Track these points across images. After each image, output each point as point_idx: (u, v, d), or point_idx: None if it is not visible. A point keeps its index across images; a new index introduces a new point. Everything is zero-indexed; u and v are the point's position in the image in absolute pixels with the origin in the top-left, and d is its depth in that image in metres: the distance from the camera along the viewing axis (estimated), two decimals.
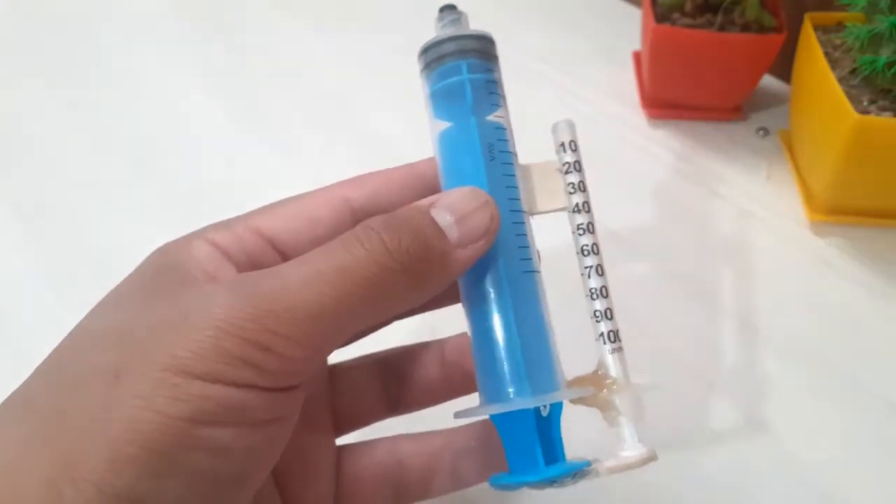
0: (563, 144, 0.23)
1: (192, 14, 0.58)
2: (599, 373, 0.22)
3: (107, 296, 0.21)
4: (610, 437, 0.22)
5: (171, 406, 0.17)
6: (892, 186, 0.40)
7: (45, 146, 0.47)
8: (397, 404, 0.26)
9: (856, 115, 0.36)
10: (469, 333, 0.22)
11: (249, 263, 0.21)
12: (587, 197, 0.23)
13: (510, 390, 0.20)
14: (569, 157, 0.23)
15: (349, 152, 0.47)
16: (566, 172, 0.23)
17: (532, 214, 0.22)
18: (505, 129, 0.22)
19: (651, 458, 0.20)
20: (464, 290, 0.22)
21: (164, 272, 0.20)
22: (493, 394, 0.21)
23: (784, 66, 0.45)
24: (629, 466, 0.20)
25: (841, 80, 0.39)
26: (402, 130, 0.48)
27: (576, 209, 0.22)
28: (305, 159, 0.46)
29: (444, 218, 0.20)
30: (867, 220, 0.42)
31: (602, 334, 0.22)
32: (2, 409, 0.18)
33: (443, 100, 0.22)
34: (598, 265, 0.22)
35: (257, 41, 0.55)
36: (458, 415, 0.22)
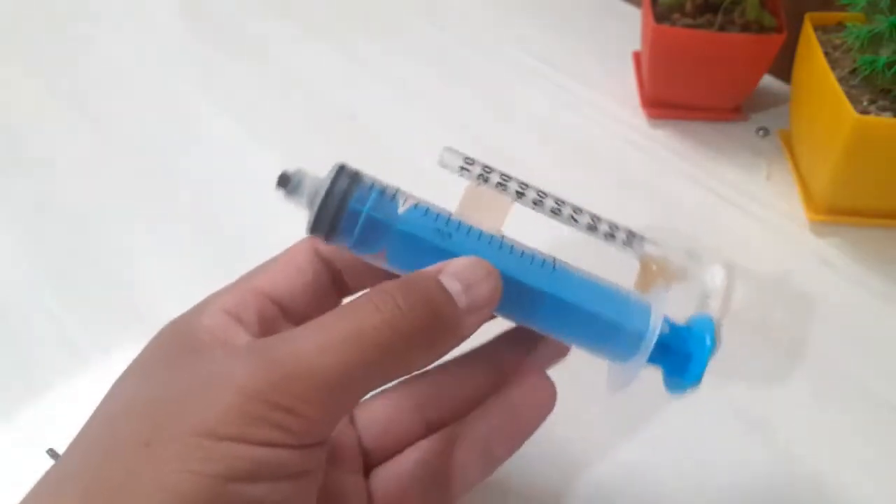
0: (461, 168, 0.24)
1: (197, 18, 0.58)
2: (652, 267, 0.24)
3: (129, 367, 0.22)
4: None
5: (203, 465, 0.18)
6: (891, 186, 0.40)
7: (45, 148, 0.47)
8: (434, 421, 0.26)
9: (856, 115, 0.36)
10: (553, 335, 0.24)
11: (257, 322, 0.23)
12: (517, 181, 0.24)
13: (638, 335, 0.23)
14: (477, 170, 0.24)
15: (354, 157, 0.47)
16: (485, 181, 0.24)
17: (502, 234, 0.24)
18: (422, 206, 0.23)
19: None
20: (527, 316, 0.24)
21: (181, 343, 0.22)
22: (626, 349, 0.23)
23: (784, 66, 0.45)
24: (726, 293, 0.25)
25: (841, 80, 0.39)
26: (405, 134, 0.48)
27: (518, 192, 0.24)
28: (305, 161, 0.46)
29: (453, 285, 0.21)
30: (867, 220, 0.42)
31: (624, 240, 0.24)
32: (42, 482, 0.19)
33: (368, 242, 0.22)
34: (573, 212, 0.24)
35: (258, 46, 0.55)
36: (613, 387, 0.24)
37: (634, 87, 0.50)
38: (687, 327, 0.24)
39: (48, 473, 0.20)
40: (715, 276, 0.27)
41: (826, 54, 0.40)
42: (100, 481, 0.18)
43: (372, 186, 0.23)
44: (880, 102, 0.39)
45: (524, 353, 0.26)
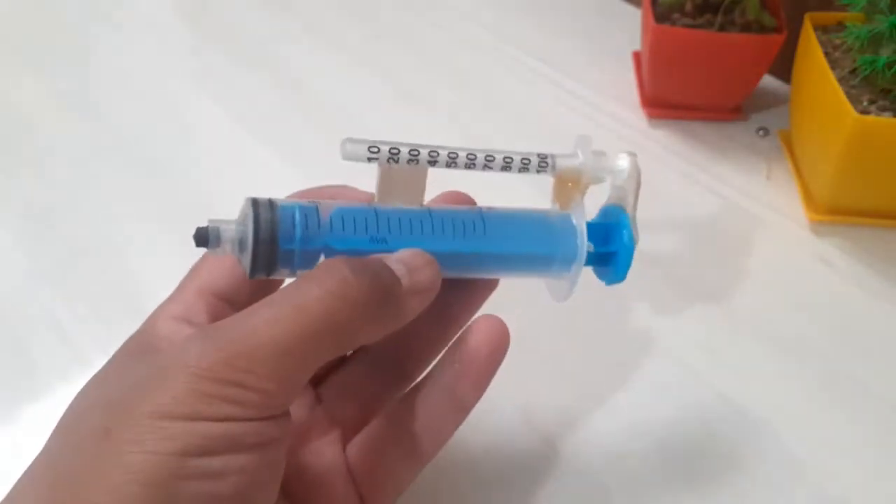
0: (368, 157, 0.25)
1: (196, 17, 0.58)
2: (568, 183, 0.26)
3: (92, 377, 0.23)
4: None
5: (160, 445, 0.18)
6: (891, 186, 0.40)
7: (46, 148, 0.48)
8: (397, 382, 0.28)
9: (855, 115, 0.36)
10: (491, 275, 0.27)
11: (208, 322, 0.24)
12: (426, 149, 0.25)
13: (568, 258, 0.26)
14: (385, 153, 0.25)
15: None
16: (395, 162, 0.25)
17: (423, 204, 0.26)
18: (347, 210, 0.24)
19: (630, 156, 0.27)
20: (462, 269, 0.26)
21: (137, 348, 0.23)
22: (560, 271, 0.26)
23: (784, 66, 0.45)
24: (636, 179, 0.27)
25: (841, 80, 0.39)
26: (403, 134, 0.48)
27: (430, 160, 0.25)
28: (304, 160, 0.46)
29: (398, 267, 0.23)
30: (866, 220, 0.42)
31: (537, 166, 0.26)
32: (13, 486, 0.20)
33: (308, 265, 0.23)
34: (486, 159, 0.25)
35: (258, 45, 0.55)
36: (557, 298, 0.27)
37: (634, 87, 0.50)
38: (604, 224, 0.26)
39: (19, 479, 0.20)
40: (623, 166, 0.27)
41: (826, 54, 0.40)
42: (65, 472, 0.19)
43: (293, 216, 0.23)
44: (880, 102, 0.39)
45: (463, 296, 0.27)
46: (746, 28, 0.44)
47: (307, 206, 0.23)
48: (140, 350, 0.23)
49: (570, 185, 0.26)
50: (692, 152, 0.46)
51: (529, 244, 0.26)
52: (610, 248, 0.26)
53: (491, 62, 0.53)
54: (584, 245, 0.25)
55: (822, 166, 0.40)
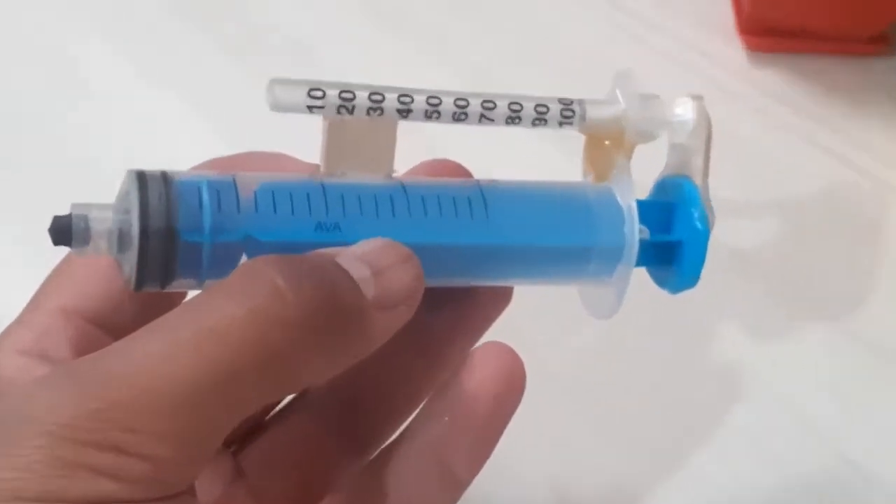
0: (308, 105, 0.20)
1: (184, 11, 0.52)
2: (604, 141, 0.22)
3: None
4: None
5: None
6: None
7: (48, 149, 0.43)
8: (354, 447, 0.22)
9: None
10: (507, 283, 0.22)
11: (73, 356, 0.19)
12: (394, 91, 0.21)
13: (613, 250, 0.21)
14: (333, 99, 0.20)
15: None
16: (349, 112, 0.20)
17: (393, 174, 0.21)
18: (278, 186, 0.20)
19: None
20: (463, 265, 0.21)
21: None
22: (601, 270, 0.22)
23: None
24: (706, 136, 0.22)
25: None
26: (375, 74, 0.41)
27: (401, 109, 0.21)
28: (231, 116, 0.40)
29: (357, 269, 0.18)
30: None
31: (559, 118, 0.21)
32: None
33: (223, 272, 0.18)
34: (483, 108, 0.21)
35: (254, 29, 0.48)
36: (598, 313, 0.23)
37: (729, 8, 0.42)
38: (662, 203, 0.22)
39: None
40: (685, 115, 0.21)
41: None
42: None
43: (200, 194, 0.18)
44: None
45: (459, 315, 0.22)
46: None
47: (220, 179, 0.19)
48: None
49: (607, 143, 0.22)
50: (812, 102, 0.39)
51: (552, 232, 0.21)
52: (673, 237, 0.22)
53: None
54: (635, 232, 0.21)
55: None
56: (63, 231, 0.18)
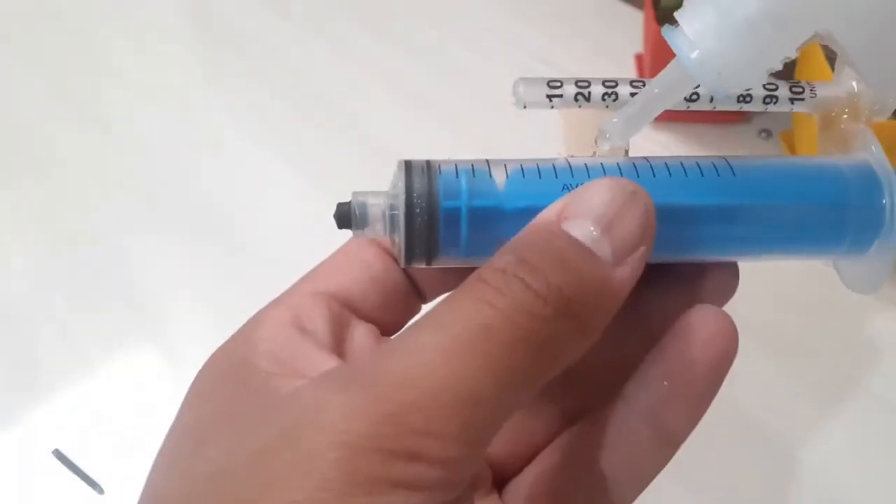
0: (548, 96, 0.20)
1: (202, 20, 0.58)
2: (843, 113, 0.19)
3: (169, 435, 0.17)
4: None
5: None
6: None
7: (53, 153, 0.48)
8: (572, 410, 0.21)
9: None
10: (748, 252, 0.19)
11: (329, 331, 0.18)
12: (625, 81, 0.20)
13: (872, 210, 0.18)
14: (570, 89, 0.20)
15: (350, 154, 0.47)
16: (586, 100, 0.20)
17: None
18: (528, 167, 0.19)
19: None
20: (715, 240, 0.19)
21: (235, 381, 0.17)
22: (859, 236, 0.18)
23: (786, 69, 0.45)
24: None
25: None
26: (404, 134, 0.48)
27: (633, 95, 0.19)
28: (308, 162, 0.47)
29: (585, 231, 0.16)
30: None
31: (790, 95, 0.20)
32: None
33: (480, 244, 0.18)
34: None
35: (260, 47, 0.55)
36: (861, 288, 0.19)
37: None
38: None
39: None
40: None
41: (827, 57, 0.40)
42: None
43: (457, 170, 0.18)
44: None
45: (681, 298, 0.20)
46: None
47: (475, 160, 0.19)
48: (238, 381, 0.17)
49: (845, 116, 0.19)
50: (693, 152, 0.47)
51: (800, 190, 0.18)
52: None
53: (491, 63, 0.53)
54: (894, 189, 0.18)
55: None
56: (345, 216, 0.18)
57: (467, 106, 0.50)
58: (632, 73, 0.52)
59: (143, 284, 0.40)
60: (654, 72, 0.48)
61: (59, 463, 0.33)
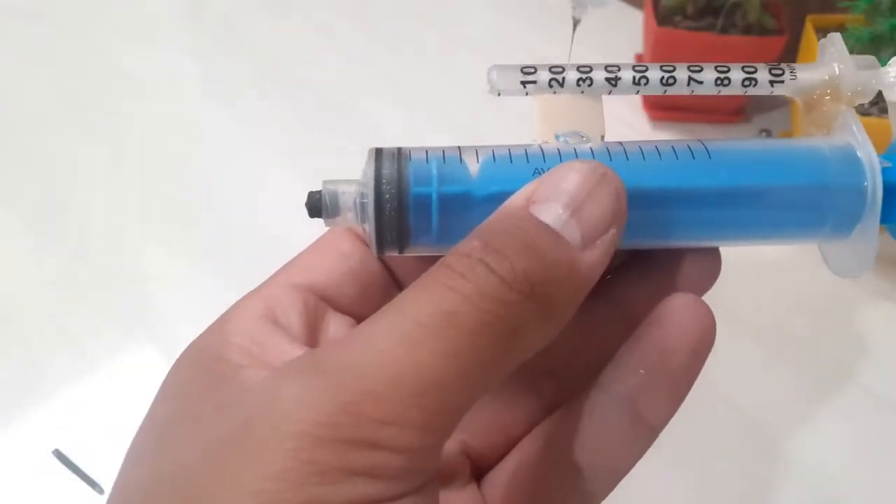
0: (522, 82, 0.20)
1: (203, 22, 0.58)
2: (825, 95, 0.19)
3: (139, 430, 0.16)
4: None
5: None
6: None
7: (54, 152, 0.48)
8: (552, 398, 0.20)
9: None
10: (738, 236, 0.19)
11: (302, 323, 0.18)
12: (600, 67, 0.19)
13: (853, 190, 0.17)
14: (544, 75, 0.19)
15: (350, 152, 0.47)
16: (560, 85, 0.19)
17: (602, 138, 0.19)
18: (499, 153, 0.18)
19: None
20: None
21: (205, 373, 0.16)
22: (841, 217, 0.18)
23: (788, 54, 0.46)
24: None
25: None
26: (406, 135, 0.48)
27: (609, 79, 0.19)
28: (310, 162, 0.47)
29: (553, 214, 0.16)
30: None
31: (770, 78, 0.19)
32: None
33: (452, 229, 0.18)
34: (690, 71, 0.19)
35: (261, 48, 0.56)
36: (846, 272, 0.18)
37: None
38: None
39: None
40: None
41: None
42: None
43: (427, 157, 0.18)
44: (881, 104, 0.39)
45: (660, 286, 0.19)
46: (748, 30, 0.45)
47: (446, 147, 0.18)
48: (208, 373, 0.16)
49: (827, 98, 0.19)
50: None
51: (780, 171, 0.18)
52: None
53: (491, 65, 0.53)
54: (875, 170, 0.17)
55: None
56: (315, 205, 0.18)
57: (467, 106, 0.50)
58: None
59: (143, 284, 0.40)
60: None
61: (59, 463, 0.33)
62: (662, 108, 0.49)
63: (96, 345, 0.37)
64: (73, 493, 0.33)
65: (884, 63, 0.37)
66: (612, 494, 0.26)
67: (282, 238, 0.41)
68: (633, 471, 0.30)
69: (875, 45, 0.39)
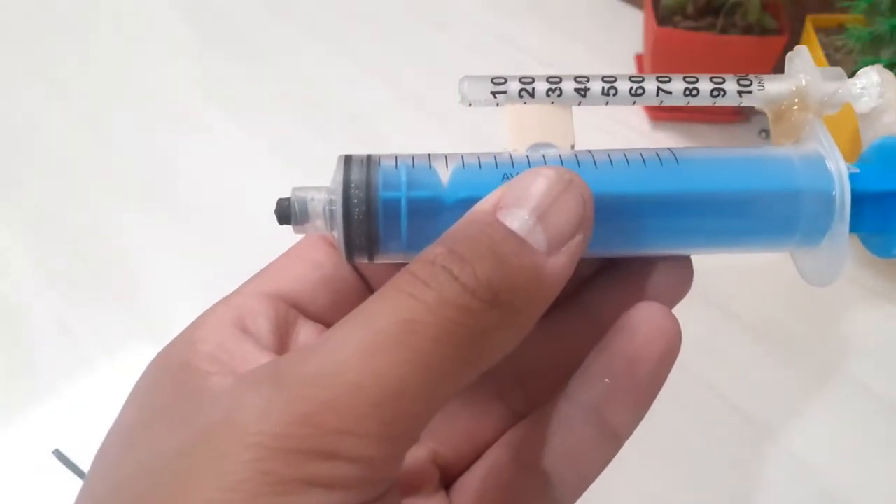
0: (493, 93, 0.20)
1: (200, 20, 0.58)
2: (793, 105, 0.19)
3: (105, 438, 0.17)
4: None
5: None
6: None
7: (53, 152, 0.48)
8: (520, 407, 0.21)
9: (857, 119, 0.36)
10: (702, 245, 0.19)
11: (271, 331, 0.18)
12: (570, 77, 0.20)
13: (822, 197, 0.17)
14: (514, 86, 0.20)
15: (349, 151, 0.47)
16: (530, 95, 0.19)
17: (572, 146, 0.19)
18: (469, 161, 0.18)
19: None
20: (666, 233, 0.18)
21: (173, 381, 0.16)
22: (810, 225, 0.18)
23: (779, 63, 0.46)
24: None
25: None
26: (405, 136, 0.48)
27: (578, 89, 0.19)
28: (305, 158, 0.47)
29: (520, 220, 0.16)
30: None
31: (738, 89, 0.19)
32: None
33: (422, 236, 0.18)
34: (659, 81, 0.19)
35: (260, 48, 0.56)
36: (817, 280, 0.18)
37: None
38: (876, 160, 0.18)
39: None
40: (869, 81, 0.19)
41: (827, 56, 0.41)
42: None
43: (396, 162, 0.18)
44: None
45: (630, 294, 0.19)
46: (748, 30, 0.45)
47: (415, 154, 0.18)
48: (176, 382, 0.16)
49: (795, 108, 0.19)
50: None
51: (747, 177, 0.18)
52: (887, 186, 0.18)
53: (493, 65, 0.53)
54: (844, 170, 0.17)
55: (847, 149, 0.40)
56: (285, 212, 0.18)
57: (467, 106, 0.51)
58: (633, 72, 0.52)
59: (143, 284, 0.40)
60: (654, 71, 0.49)
61: (59, 463, 0.33)
62: (663, 109, 0.49)
63: (96, 345, 0.38)
64: (73, 493, 0.32)
65: (885, 63, 0.37)
66: (611, 494, 0.27)
67: (282, 239, 0.42)
68: (632, 471, 0.31)
69: (875, 44, 0.39)
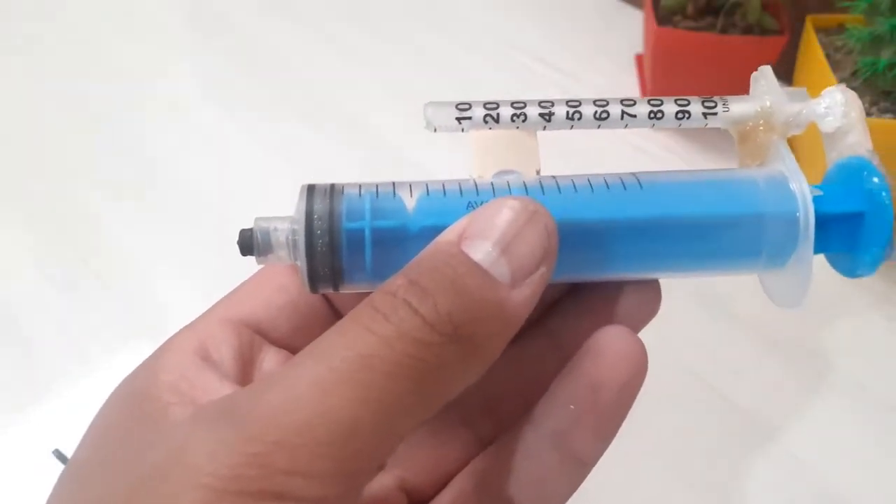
0: (458, 118, 0.20)
1: (201, 21, 0.59)
2: (759, 126, 0.19)
3: (62, 472, 0.17)
4: None
5: None
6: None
7: (53, 152, 0.48)
8: (487, 434, 0.20)
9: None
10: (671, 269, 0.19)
11: (234, 358, 0.18)
12: (534, 103, 0.19)
13: (786, 219, 0.18)
14: (479, 111, 0.20)
15: (351, 154, 0.47)
16: (495, 121, 0.19)
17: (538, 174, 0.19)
18: (434, 188, 0.18)
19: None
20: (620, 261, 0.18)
21: (133, 411, 0.16)
22: (775, 247, 0.18)
23: (786, 69, 0.47)
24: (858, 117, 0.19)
25: (842, 81, 0.39)
26: (406, 137, 0.48)
27: (542, 114, 0.19)
28: (305, 158, 0.47)
29: (483, 252, 0.15)
30: None
31: (702, 111, 0.19)
32: None
33: (388, 265, 0.17)
34: (624, 105, 0.19)
35: (261, 49, 0.56)
36: (785, 302, 0.18)
37: (637, 90, 0.51)
38: (839, 181, 0.19)
39: None
40: (833, 101, 0.19)
41: (827, 56, 0.41)
42: None
43: (360, 193, 0.18)
44: (881, 104, 0.39)
45: (597, 319, 0.19)
46: (748, 31, 0.46)
47: (380, 182, 0.18)
48: (137, 411, 0.16)
49: (761, 128, 0.19)
50: (695, 154, 0.47)
51: (711, 201, 0.18)
52: (853, 206, 0.18)
53: (493, 65, 0.53)
54: (807, 192, 0.17)
55: (825, 169, 0.40)
56: (247, 243, 0.18)
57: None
58: (632, 73, 0.53)
59: (143, 284, 0.40)
60: (654, 71, 0.49)
61: (59, 463, 0.33)
62: None
63: (96, 345, 0.38)
64: None
65: (885, 63, 0.37)
66: (611, 494, 0.27)
67: None
68: (632, 470, 0.31)
69: (875, 44, 0.39)
